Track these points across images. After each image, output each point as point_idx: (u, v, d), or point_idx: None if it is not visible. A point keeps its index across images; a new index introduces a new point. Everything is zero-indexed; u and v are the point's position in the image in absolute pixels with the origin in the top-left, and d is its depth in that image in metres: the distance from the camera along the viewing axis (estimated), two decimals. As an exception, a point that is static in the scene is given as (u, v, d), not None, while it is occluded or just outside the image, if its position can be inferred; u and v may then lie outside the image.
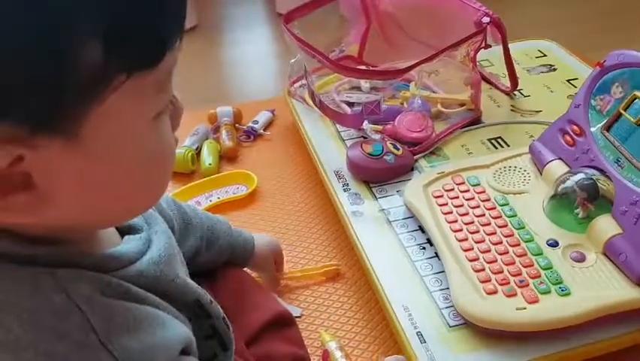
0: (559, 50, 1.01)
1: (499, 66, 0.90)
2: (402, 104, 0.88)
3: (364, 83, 0.93)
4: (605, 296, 0.55)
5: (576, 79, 0.92)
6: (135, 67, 0.30)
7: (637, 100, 0.61)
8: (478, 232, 0.64)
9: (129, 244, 0.39)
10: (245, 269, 0.63)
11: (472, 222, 0.65)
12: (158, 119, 0.34)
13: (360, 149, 0.76)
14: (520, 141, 0.79)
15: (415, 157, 0.79)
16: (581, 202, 0.63)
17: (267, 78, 1.28)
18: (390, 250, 0.66)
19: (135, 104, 0.32)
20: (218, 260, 0.59)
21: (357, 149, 0.76)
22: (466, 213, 0.66)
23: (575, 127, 0.67)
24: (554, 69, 0.96)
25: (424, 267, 0.63)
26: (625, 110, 0.62)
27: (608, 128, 0.63)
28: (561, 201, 0.64)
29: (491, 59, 0.96)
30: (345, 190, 0.75)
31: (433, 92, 0.91)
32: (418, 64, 0.78)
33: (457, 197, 0.69)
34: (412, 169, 0.78)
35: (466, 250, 0.62)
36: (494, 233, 0.64)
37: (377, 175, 0.76)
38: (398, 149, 0.77)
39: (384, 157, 0.75)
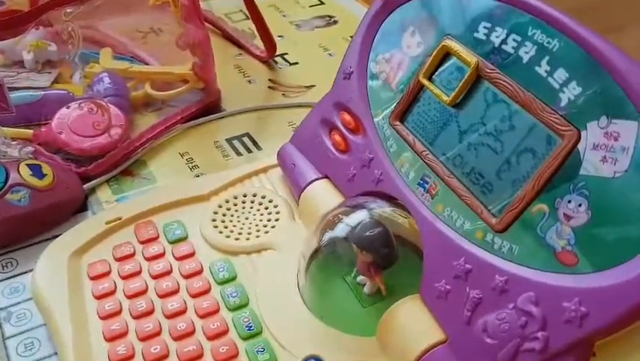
0: (342, -5, 0.71)
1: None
2: (89, 87, 0.52)
3: (26, 54, 0.55)
4: None
5: (365, 35, 0.62)
6: None
7: (451, 56, 0.30)
8: (165, 357, 0.30)
9: None
10: None
11: (158, 334, 0.31)
12: None
13: (-43, 184, 0.38)
14: (278, 139, 0.46)
15: (86, 185, 0.43)
16: (363, 268, 0.31)
17: None
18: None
19: None
20: None
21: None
22: (149, 313, 0.32)
23: (347, 116, 0.35)
24: (335, 22, 0.66)
25: None
26: (429, 77, 0.31)
27: (401, 115, 0.33)
28: (329, 264, 0.33)
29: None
30: None
31: (146, 64, 0.55)
32: (55, 3, 0.41)
33: (138, 273, 0.34)
34: (86, 208, 0.42)
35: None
36: (199, 357, 0.30)
37: (-8, 235, 0.38)
38: (43, 175, 0.40)
39: (8, 196, 0.38)
